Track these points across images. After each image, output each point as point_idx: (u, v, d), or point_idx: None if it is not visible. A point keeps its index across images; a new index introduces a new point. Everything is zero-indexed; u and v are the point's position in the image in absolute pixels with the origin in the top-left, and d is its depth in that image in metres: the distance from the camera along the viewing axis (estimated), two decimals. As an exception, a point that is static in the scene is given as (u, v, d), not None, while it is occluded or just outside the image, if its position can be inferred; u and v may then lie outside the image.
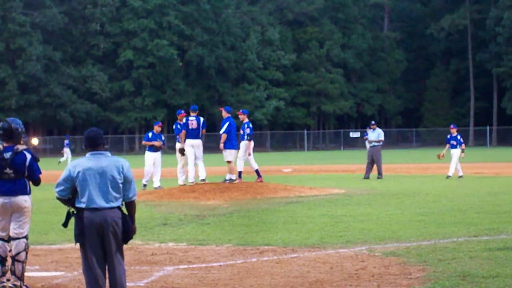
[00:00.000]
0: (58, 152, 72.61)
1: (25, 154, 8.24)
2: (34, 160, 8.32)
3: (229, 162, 20.00)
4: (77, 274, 9.09)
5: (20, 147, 8.27)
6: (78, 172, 6.81)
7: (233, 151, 19.86)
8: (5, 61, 68.94)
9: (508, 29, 77.17)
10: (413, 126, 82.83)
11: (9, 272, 8.22)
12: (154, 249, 10.99)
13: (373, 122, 27.45)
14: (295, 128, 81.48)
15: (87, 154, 6.93)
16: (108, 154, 6.94)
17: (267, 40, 79.42)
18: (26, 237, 8.27)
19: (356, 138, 76.26)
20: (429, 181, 24.80)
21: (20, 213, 8.24)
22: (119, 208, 6.87)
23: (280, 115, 79.40)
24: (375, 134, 26.47)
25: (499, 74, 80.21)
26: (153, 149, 21.62)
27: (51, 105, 69.74)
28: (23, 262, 8.15)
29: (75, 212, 6.89)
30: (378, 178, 25.79)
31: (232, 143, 19.87)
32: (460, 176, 25.50)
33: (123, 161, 6.98)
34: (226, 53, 76.54)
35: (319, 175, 29.21)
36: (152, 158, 21.48)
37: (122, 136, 72.91)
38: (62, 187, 6.87)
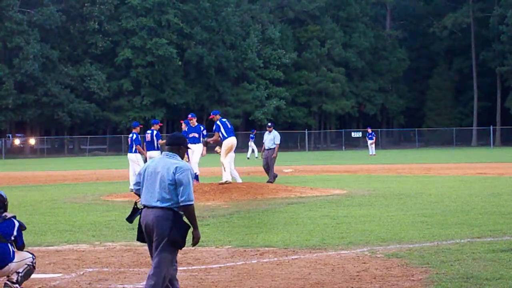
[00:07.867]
0: (56, 152, 72.48)
1: (13, 221, 8.15)
2: (21, 228, 8.24)
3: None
4: (75, 276, 9.05)
5: (8, 214, 8.16)
6: (145, 169, 7.00)
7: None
8: (2, 60, 68.81)
9: (512, 28, 77.03)
10: (415, 125, 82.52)
11: None
12: (153, 250, 10.86)
13: (269, 124, 25.47)
14: (296, 128, 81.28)
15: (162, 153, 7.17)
16: (177, 157, 6.95)
17: (268, 39, 79.32)
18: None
19: (358, 138, 76.14)
20: (432, 181, 24.67)
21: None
22: (170, 209, 6.80)
23: (281, 115, 79.27)
24: (271, 137, 24.70)
25: (502, 73, 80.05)
26: (156, 148, 21.55)
27: (48, 104, 69.49)
28: None
29: (139, 208, 7.01)
30: (267, 182, 23.35)
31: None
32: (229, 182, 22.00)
33: (180, 164, 6.89)
34: (226, 52, 76.40)
35: (320, 176, 29.11)
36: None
37: (120, 136, 72.48)
38: (136, 181, 7.09)
